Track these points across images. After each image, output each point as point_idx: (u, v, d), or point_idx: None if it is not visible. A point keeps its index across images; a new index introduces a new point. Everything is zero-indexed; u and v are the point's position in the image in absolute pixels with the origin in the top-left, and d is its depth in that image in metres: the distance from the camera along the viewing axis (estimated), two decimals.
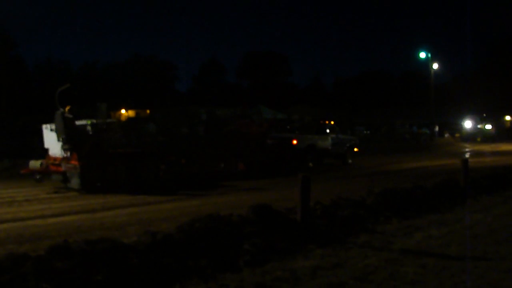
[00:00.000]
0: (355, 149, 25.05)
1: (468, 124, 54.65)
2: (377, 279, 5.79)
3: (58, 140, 14.17)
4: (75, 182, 13.56)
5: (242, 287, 5.51)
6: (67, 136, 13.85)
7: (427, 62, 54.17)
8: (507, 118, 63.00)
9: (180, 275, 5.66)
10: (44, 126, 15.30)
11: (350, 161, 24.14)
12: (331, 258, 6.56)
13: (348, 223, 8.33)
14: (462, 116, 56.31)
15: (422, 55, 53.21)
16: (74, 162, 13.51)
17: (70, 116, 14.12)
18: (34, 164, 14.74)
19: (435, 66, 53.85)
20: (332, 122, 24.92)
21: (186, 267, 5.84)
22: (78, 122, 14.47)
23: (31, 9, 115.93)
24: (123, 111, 57.13)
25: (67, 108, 14.10)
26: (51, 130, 14.68)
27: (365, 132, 51.04)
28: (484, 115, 56.99)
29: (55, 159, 14.55)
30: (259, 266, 6.16)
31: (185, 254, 6.05)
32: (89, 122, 14.45)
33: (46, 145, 15.23)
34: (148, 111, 54.72)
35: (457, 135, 55.28)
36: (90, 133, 14.27)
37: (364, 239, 7.67)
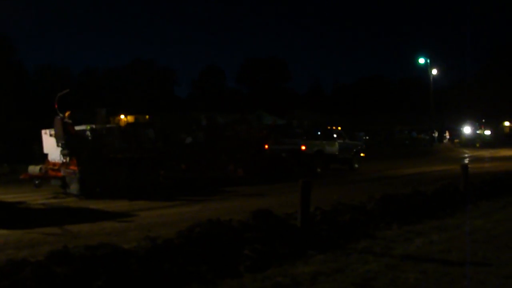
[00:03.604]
0: (362, 154, 25.38)
1: (467, 129, 54.84)
2: (378, 285, 5.77)
3: (58, 145, 14.15)
4: (74, 188, 13.55)
5: None
6: (67, 141, 13.84)
7: (426, 68, 54.30)
8: (506, 123, 63.07)
9: (180, 280, 5.64)
10: (43, 131, 15.28)
11: (356, 165, 24.43)
12: (331, 264, 6.54)
13: (349, 229, 8.31)
14: (461, 122, 56.50)
15: (421, 60, 53.35)
16: (74, 167, 13.50)
17: (70, 121, 14.12)
18: (33, 169, 14.72)
19: (434, 71, 53.94)
20: (340, 128, 25.34)
21: (186, 272, 5.81)
22: (77, 127, 14.46)
23: (31, 15, 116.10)
24: (122, 116, 57.08)
25: (66, 114, 14.10)
26: (51, 135, 14.67)
27: (364, 137, 51.10)
28: (483, 120, 57.14)
29: (54, 164, 14.52)
30: (260, 272, 6.13)
31: (185, 260, 6.03)
32: (88, 127, 14.43)
33: (46, 150, 15.21)
34: (147, 117, 54.68)
35: (456, 140, 55.43)
36: (90, 138, 14.25)
37: (365, 245, 7.64)
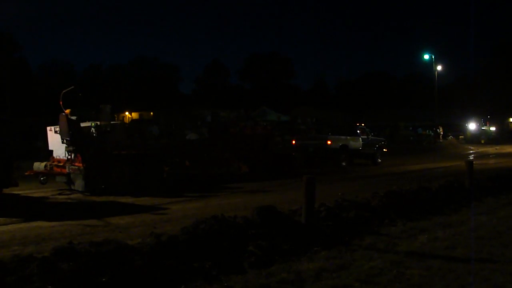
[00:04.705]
0: (384, 150, 26.45)
1: (472, 126, 54.56)
2: (382, 281, 5.76)
3: (63, 142, 14.18)
4: (79, 184, 13.58)
5: None
6: (72, 138, 13.86)
7: (431, 64, 54.08)
8: None
9: (185, 276, 5.65)
10: (48, 128, 15.31)
11: (379, 160, 25.48)
12: (336, 260, 6.54)
13: (353, 225, 8.31)
14: (466, 118, 56.20)
15: (426, 56, 53.20)
16: (79, 164, 13.53)
17: (74, 118, 14.14)
18: (39, 166, 14.76)
19: (439, 67, 53.71)
20: (363, 124, 26.39)
21: (191, 268, 5.83)
22: (82, 124, 14.48)
23: (35, 11, 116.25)
24: (126, 113, 57.21)
25: (67, 111, 14.11)
26: (56, 132, 14.70)
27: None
28: (488, 116, 56.84)
29: (59, 161, 14.56)
30: (264, 268, 6.14)
31: (189, 256, 6.04)
32: (93, 124, 14.45)
33: (51, 147, 15.25)
34: (151, 113, 54.76)
35: (460, 137, 55.15)
36: (94, 135, 14.27)
37: (369, 241, 7.63)
